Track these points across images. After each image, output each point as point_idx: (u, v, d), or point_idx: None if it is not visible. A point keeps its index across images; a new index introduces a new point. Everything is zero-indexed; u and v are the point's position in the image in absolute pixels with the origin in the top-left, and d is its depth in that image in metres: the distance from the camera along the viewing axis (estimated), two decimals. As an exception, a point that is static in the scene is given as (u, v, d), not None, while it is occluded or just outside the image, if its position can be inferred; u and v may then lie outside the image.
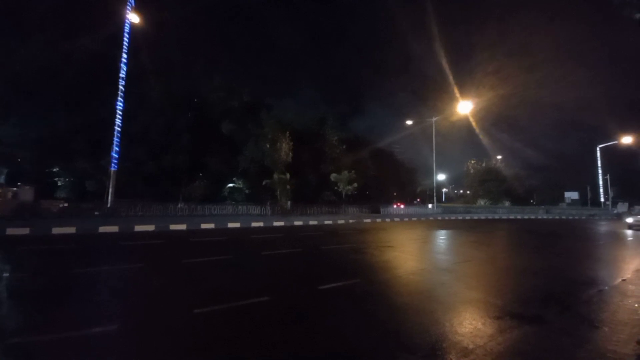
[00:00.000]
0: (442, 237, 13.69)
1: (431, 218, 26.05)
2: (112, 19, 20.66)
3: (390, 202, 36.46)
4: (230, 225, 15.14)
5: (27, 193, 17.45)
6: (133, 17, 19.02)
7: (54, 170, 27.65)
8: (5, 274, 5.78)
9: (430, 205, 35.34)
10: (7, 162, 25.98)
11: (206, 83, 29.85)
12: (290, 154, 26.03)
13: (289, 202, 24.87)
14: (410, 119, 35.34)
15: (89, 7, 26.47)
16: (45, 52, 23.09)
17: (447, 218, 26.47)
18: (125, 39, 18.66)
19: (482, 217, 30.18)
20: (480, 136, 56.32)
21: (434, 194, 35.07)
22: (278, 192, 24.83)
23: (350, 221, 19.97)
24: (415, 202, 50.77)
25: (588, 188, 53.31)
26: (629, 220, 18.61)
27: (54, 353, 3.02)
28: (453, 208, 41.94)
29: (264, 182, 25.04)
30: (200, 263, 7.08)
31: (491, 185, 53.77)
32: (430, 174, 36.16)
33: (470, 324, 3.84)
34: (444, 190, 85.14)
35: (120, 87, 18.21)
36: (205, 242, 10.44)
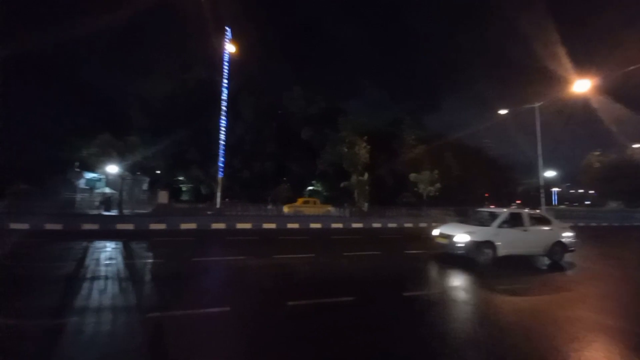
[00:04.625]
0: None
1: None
2: (214, 50, 24.36)
3: (480, 204, 32.28)
4: (312, 225, 15.93)
5: (163, 196, 22.18)
6: (230, 47, 22.10)
7: (179, 178, 34.28)
8: (149, 260, 7.47)
9: (536, 209, 29.66)
10: (148, 172, 33.36)
11: (287, 94, 32.40)
12: (368, 155, 25.84)
13: (366, 204, 24.69)
14: (503, 109, 30.31)
15: (198, 42, 31.90)
16: (167, 82, 28.95)
17: (559, 224, 21.79)
18: (225, 66, 21.81)
19: (614, 224, 23.75)
20: (605, 121, 44.23)
21: (541, 195, 29.22)
22: (356, 194, 24.90)
23: (433, 224, 18.49)
24: (513, 204, 43.50)
25: None
26: None
27: (184, 326, 3.73)
28: (568, 212, 34.14)
29: (341, 184, 25.51)
30: (289, 259, 7.68)
31: (624, 183, 41.18)
32: (533, 172, 30.46)
33: (603, 356, 3.09)
34: (555, 190, 69.13)
35: (223, 107, 21.35)
36: (292, 240, 11.27)
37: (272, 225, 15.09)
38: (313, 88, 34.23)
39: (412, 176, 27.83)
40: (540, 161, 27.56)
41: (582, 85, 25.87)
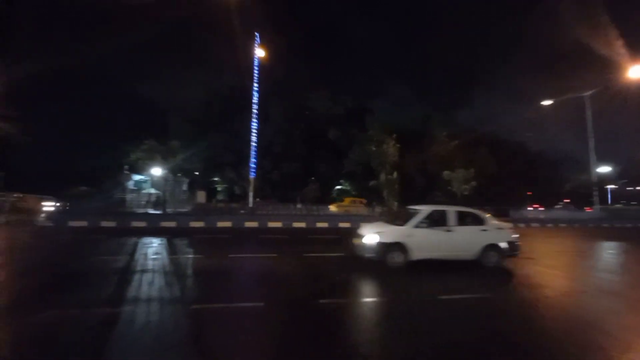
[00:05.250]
0: (608, 250, 10.31)
1: (590, 225, 19.74)
2: (244, 56, 25.24)
3: (522, 203, 30.00)
4: (341, 225, 15.88)
5: (201, 196, 23.52)
6: (259, 52, 22.77)
7: (215, 179, 36.13)
8: (191, 255, 7.95)
9: (589, 208, 26.85)
10: (187, 173, 35.50)
11: (314, 95, 32.68)
12: (396, 154, 25.26)
13: (396, 203, 24.13)
14: (546, 99, 27.74)
15: (229, 50, 33.31)
16: (203, 90, 30.59)
17: (616, 225, 19.61)
18: (255, 71, 22.52)
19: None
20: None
21: (594, 193, 26.43)
22: (385, 193, 24.46)
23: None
24: (560, 204, 39.75)
25: None
26: None
27: (222, 318, 3.93)
28: (627, 212, 30.44)
29: (370, 184, 25.20)
30: (318, 257, 7.76)
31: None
32: (584, 168, 27.68)
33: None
34: (609, 187, 61.53)
35: (254, 110, 22.08)
36: (321, 239, 11.36)
37: (302, 224, 15.32)
38: (339, 88, 34.39)
39: (446, 174, 26.70)
40: (593, 156, 24.87)
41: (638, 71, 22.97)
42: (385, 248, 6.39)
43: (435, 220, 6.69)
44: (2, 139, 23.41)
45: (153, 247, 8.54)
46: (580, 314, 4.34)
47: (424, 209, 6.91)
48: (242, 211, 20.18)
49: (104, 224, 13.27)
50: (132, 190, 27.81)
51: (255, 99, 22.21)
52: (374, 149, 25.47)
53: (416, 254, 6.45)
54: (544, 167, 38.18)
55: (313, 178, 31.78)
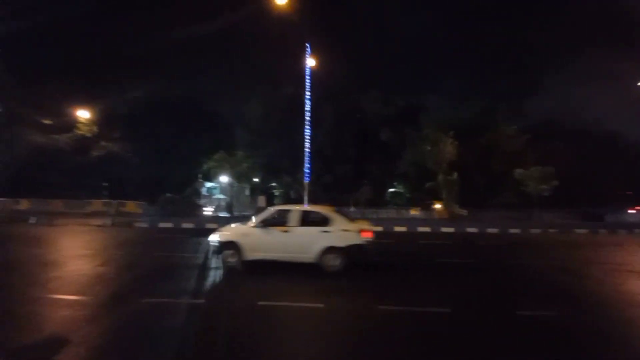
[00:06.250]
0: None
1: None
2: (297, 67, 26.29)
3: (620, 206, 24.77)
4: (397, 229, 15.29)
5: (261, 200, 25.22)
6: (310, 62, 23.53)
7: (273, 184, 38.29)
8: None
9: None
10: (249, 180, 38.29)
11: (364, 97, 32.29)
12: (455, 152, 23.30)
13: (456, 206, 22.23)
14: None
15: (283, 65, 35.05)
16: (261, 103, 32.72)
17: None
18: (307, 80, 23.32)
19: None
20: None
21: None
22: (444, 195, 22.73)
23: (551, 230, 15.21)
24: None
25: None
26: None
27: (283, 316, 4.14)
28: None
29: (426, 185, 23.71)
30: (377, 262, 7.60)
31: None
32: None
33: None
34: None
35: (307, 117, 22.86)
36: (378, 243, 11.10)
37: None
38: (390, 88, 33.31)
39: (518, 173, 23.63)
40: None
41: None
42: (221, 247, 6.17)
43: (276, 220, 6.32)
44: (109, 156, 28.69)
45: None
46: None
47: (273, 209, 6.76)
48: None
49: (185, 225, 15.15)
50: (205, 196, 31.26)
51: (307, 106, 22.99)
52: (429, 148, 23.96)
53: (249, 254, 6.06)
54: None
55: (366, 181, 31.34)
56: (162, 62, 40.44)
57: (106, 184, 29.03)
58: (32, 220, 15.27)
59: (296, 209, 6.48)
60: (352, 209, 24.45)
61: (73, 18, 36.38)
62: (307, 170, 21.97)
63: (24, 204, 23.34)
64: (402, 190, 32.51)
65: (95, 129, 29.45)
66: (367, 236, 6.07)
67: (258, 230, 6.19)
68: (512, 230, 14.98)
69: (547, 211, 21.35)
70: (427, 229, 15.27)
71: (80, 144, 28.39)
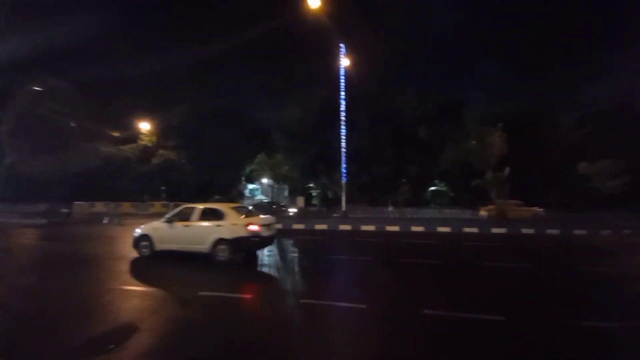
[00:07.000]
0: None
1: None
2: (332, 69, 26.37)
3: None
4: (440, 229, 14.44)
5: (300, 201, 25.85)
6: (345, 62, 23.42)
7: (310, 185, 38.91)
8: (295, 254, 8.74)
9: None
10: (287, 181, 39.36)
11: (400, 96, 31.14)
12: (505, 147, 21.26)
13: (511, 202, 20.32)
14: None
15: (318, 68, 35.38)
16: (298, 106, 33.42)
17: None
18: (342, 81, 23.27)
19: None
20: None
21: None
22: (493, 193, 20.92)
23: (626, 232, 13.15)
24: None
25: None
26: None
27: (328, 314, 4.18)
28: None
29: (472, 183, 21.99)
30: (417, 264, 7.29)
31: None
32: None
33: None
34: None
35: (342, 118, 22.82)
36: (419, 244, 10.66)
37: (395, 228, 14.71)
38: (427, 85, 31.64)
39: (583, 166, 20.91)
40: None
41: None
42: (138, 239, 7.25)
43: (182, 216, 7.09)
44: (166, 162, 31.70)
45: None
46: None
47: (183, 206, 7.50)
48: (335, 214, 21.00)
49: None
50: (248, 197, 32.92)
51: (342, 107, 22.96)
52: (474, 143, 22.24)
53: (158, 246, 7.06)
54: None
55: (404, 180, 30.24)
56: (207, 74, 43.68)
57: (164, 188, 32.16)
58: (105, 220, 17.44)
59: (198, 206, 7.26)
60: (390, 208, 23.78)
61: (132, 42, 41.12)
62: (344, 171, 21.96)
63: (98, 207, 26.96)
64: (444, 189, 30.78)
65: (155, 139, 32.83)
66: (254, 229, 6.65)
67: (165, 225, 7.09)
68: (577, 232, 13.24)
69: (617, 210, 18.44)
70: (473, 230, 14.20)
71: (143, 153, 31.90)
